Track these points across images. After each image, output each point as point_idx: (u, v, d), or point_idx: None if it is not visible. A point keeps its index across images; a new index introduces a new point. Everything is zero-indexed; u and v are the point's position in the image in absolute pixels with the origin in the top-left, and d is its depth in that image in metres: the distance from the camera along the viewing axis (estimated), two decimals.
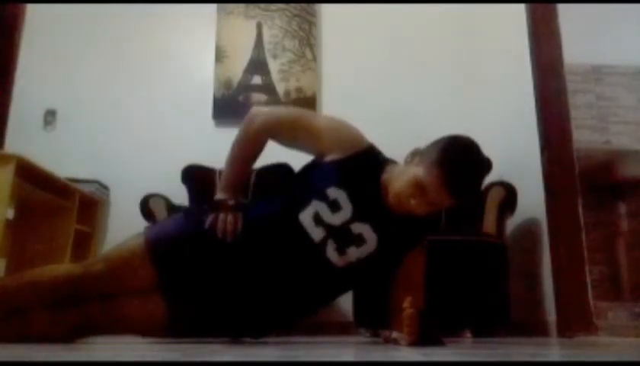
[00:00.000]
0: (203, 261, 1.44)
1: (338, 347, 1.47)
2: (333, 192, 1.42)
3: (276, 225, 1.45)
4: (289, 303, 1.51)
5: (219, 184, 1.55)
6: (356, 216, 1.42)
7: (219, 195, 1.50)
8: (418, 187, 1.35)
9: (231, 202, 1.46)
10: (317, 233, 1.41)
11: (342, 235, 1.42)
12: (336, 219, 1.41)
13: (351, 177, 1.44)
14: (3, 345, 1.21)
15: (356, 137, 1.51)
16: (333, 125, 1.52)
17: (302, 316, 1.64)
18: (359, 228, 1.43)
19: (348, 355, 1.16)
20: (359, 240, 1.44)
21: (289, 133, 1.53)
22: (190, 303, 1.44)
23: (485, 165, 1.42)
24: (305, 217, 1.42)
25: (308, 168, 1.56)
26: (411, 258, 1.57)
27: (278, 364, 0.91)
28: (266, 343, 1.52)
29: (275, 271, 1.44)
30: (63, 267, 1.52)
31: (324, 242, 1.42)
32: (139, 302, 1.41)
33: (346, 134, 1.50)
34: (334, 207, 1.41)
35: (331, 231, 1.42)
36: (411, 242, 1.56)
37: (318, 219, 1.41)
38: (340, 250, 1.43)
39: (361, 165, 1.46)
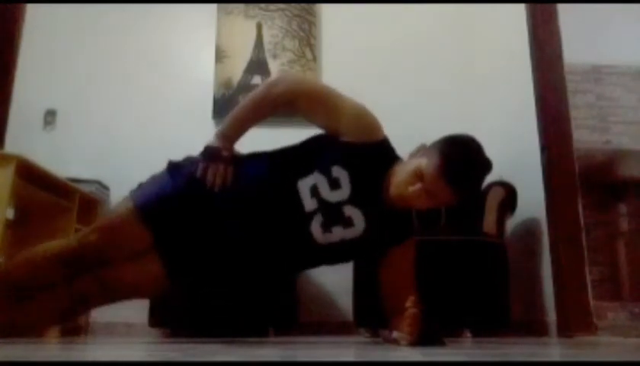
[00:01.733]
0: (194, 218, 1.44)
1: (338, 347, 1.47)
2: (337, 170, 1.42)
3: (272, 185, 1.45)
4: (267, 261, 1.51)
5: (218, 129, 1.52)
6: (352, 200, 1.43)
7: (215, 142, 1.48)
8: (418, 175, 1.37)
9: (225, 152, 1.45)
10: (309, 204, 1.42)
11: (332, 213, 1.43)
12: (332, 196, 1.42)
13: (359, 162, 1.44)
14: (3, 345, 1.21)
15: (375, 127, 1.50)
16: (355, 109, 1.51)
17: (273, 274, 1.64)
18: (350, 211, 1.44)
19: (348, 355, 1.16)
20: (347, 222, 1.44)
21: (310, 105, 1.50)
22: (185, 259, 1.45)
23: (486, 164, 1.42)
24: (303, 186, 1.42)
25: (318, 139, 1.54)
26: (399, 253, 1.58)
27: (278, 364, 0.91)
28: (266, 343, 1.52)
29: (259, 229, 1.44)
30: (57, 242, 1.52)
31: (312, 214, 1.42)
32: (137, 265, 1.43)
33: (366, 122, 1.50)
34: (334, 184, 1.42)
35: (324, 206, 1.42)
36: (396, 237, 1.57)
37: (314, 191, 1.42)
38: (326, 227, 1.43)
39: (371, 155, 1.46)
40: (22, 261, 1.48)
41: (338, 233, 1.45)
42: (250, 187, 1.45)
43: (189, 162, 1.52)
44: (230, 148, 1.49)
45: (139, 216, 1.42)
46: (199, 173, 1.43)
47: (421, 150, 1.45)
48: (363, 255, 1.59)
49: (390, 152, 1.53)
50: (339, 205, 1.43)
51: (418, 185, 1.36)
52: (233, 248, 1.45)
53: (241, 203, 1.44)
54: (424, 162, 1.37)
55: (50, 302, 1.41)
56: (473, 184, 1.41)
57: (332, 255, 1.52)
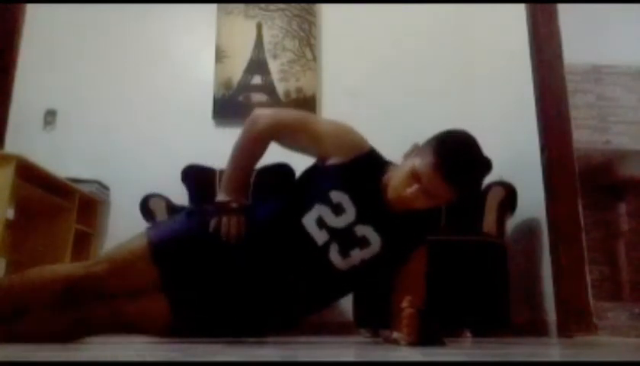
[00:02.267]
0: (206, 263, 1.44)
1: (338, 347, 1.47)
2: (336, 195, 1.42)
3: (279, 228, 1.45)
4: (291, 304, 1.51)
5: (221, 185, 1.54)
6: (360, 219, 1.43)
7: (221, 197, 1.49)
8: (414, 175, 1.36)
9: (234, 205, 1.46)
10: (320, 236, 1.41)
11: (346, 238, 1.43)
12: (339, 222, 1.42)
13: (353, 180, 1.44)
14: (3, 345, 1.21)
15: (359, 141, 1.51)
16: (336, 129, 1.52)
17: (302, 317, 1.64)
18: (362, 230, 1.43)
19: (348, 355, 1.16)
20: (363, 242, 1.44)
21: (291, 136, 1.52)
22: (192, 303, 1.44)
23: (481, 157, 1.41)
24: (309, 221, 1.42)
25: (310, 172, 1.56)
26: (412, 257, 1.57)
27: (278, 364, 0.91)
28: (266, 343, 1.52)
29: (277, 274, 1.44)
30: (65, 267, 1.52)
31: (327, 245, 1.42)
32: (142, 302, 1.42)
33: (348, 138, 1.50)
34: (338, 210, 1.42)
35: (335, 234, 1.42)
36: (414, 241, 1.56)
37: (321, 223, 1.41)
38: (344, 253, 1.43)
39: (363, 168, 1.46)
40: (24, 279, 1.47)
41: (357, 256, 1.44)
42: (259, 232, 1.45)
43: (207, 210, 1.52)
44: (237, 199, 1.48)
45: (151, 253, 1.42)
46: (211, 228, 1.43)
47: (415, 150, 1.44)
48: (388, 270, 1.57)
49: (378, 160, 1.53)
50: (349, 228, 1.42)
51: (415, 186, 1.36)
52: (248, 294, 1.45)
53: (253, 248, 1.44)
54: (418, 162, 1.36)
55: (52, 323, 1.40)
56: (470, 177, 1.39)
57: (357, 278, 1.51)
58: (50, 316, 1.39)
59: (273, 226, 1.46)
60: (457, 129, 1.43)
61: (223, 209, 1.45)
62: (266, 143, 1.52)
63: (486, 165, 1.43)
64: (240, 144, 1.51)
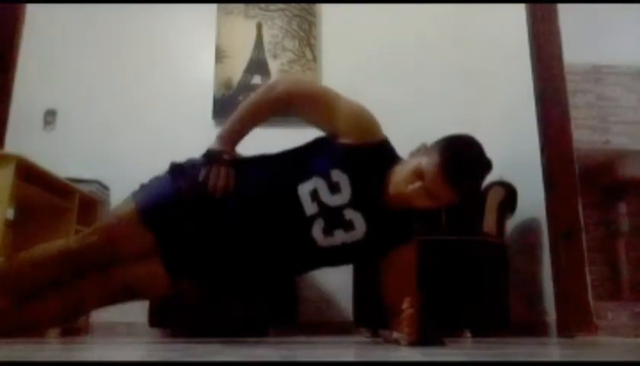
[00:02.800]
0: (195, 220, 1.44)
1: (338, 347, 1.47)
2: (336, 174, 1.42)
3: (272, 190, 1.45)
4: (268, 264, 1.52)
5: (219, 132, 1.52)
6: (352, 203, 1.43)
7: (216, 145, 1.48)
8: (418, 173, 1.37)
9: (226, 156, 1.45)
10: (310, 208, 1.42)
11: (333, 217, 1.43)
12: (333, 200, 1.42)
13: (358, 165, 1.44)
14: (3, 345, 1.21)
15: (374, 128, 1.50)
16: (354, 110, 1.50)
17: (275, 277, 1.65)
18: (351, 214, 1.44)
19: (348, 355, 1.16)
20: (348, 225, 1.44)
21: (309, 107, 1.51)
22: (186, 261, 1.45)
23: (486, 163, 1.42)
24: (304, 190, 1.42)
25: (319, 143, 1.54)
26: (401, 255, 1.58)
27: (278, 364, 0.91)
28: (266, 343, 1.52)
29: (260, 234, 1.45)
30: (57, 243, 1.51)
31: (313, 218, 1.42)
32: (138, 266, 1.43)
33: (365, 122, 1.50)
34: (334, 188, 1.41)
35: (324, 210, 1.42)
36: (398, 237, 1.57)
37: (314, 196, 1.42)
38: (327, 231, 1.43)
39: (371, 156, 1.46)
40: (21, 262, 1.47)
41: (340, 237, 1.45)
42: (251, 191, 1.45)
43: (191, 164, 1.51)
44: (231, 151, 1.48)
45: (141, 218, 1.42)
46: (201, 177, 1.43)
47: (422, 149, 1.45)
48: (365, 257, 1.59)
49: (390, 152, 1.53)
50: (340, 209, 1.43)
51: (418, 184, 1.36)
52: (234, 249, 1.45)
53: (242, 207, 1.44)
54: (424, 161, 1.37)
55: (50, 303, 1.41)
56: (473, 182, 1.41)
57: (334, 257, 1.52)
58: (50, 296, 1.40)
59: (266, 187, 1.46)
60: (465, 134, 1.44)
61: (214, 158, 1.45)
62: (281, 108, 1.50)
63: (488, 167, 1.44)
64: (254, 101, 1.49)
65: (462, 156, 1.36)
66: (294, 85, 1.52)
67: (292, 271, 1.61)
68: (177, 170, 1.53)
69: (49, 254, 1.44)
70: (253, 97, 1.51)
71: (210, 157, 1.46)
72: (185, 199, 1.44)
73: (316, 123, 1.53)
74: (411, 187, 1.37)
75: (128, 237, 1.42)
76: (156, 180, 1.54)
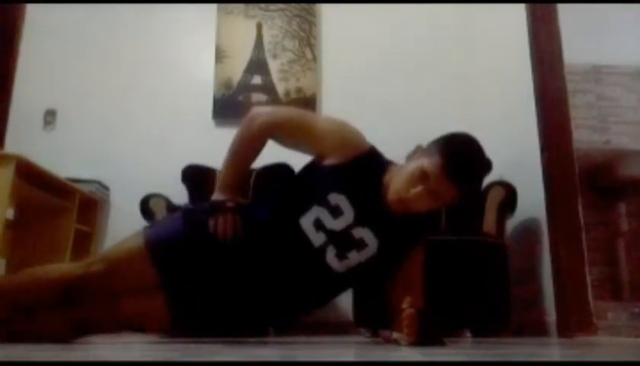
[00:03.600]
0: (204, 262, 1.44)
1: (338, 347, 1.47)
2: (334, 198, 1.42)
3: (276, 228, 1.45)
4: (287, 304, 1.52)
5: (217, 183, 1.53)
6: (358, 221, 1.42)
7: (218, 196, 1.48)
8: (421, 176, 1.36)
9: (230, 204, 1.45)
10: (317, 238, 1.41)
11: (343, 240, 1.42)
12: (337, 224, 1.42)
13: (352, 181, 1.43)
14: (3, 345, 1.21)
15: (358, 140, 1.50)
16: (334, 127, 1.51)
17: (298, 316, 1.64)
18: (360, 232, 1.43)
19: (348, 355, 1.16)
20: (360, 244, 1.44)
21: (290, 134, 1.52)
22: (191, 302, 1.44)
23: (486, 160, 1.42)
24: (306, 222, 1.42)
25: (307, 171, 1.55)
26: (409, 257, 1.57)
27: (278, 364, 0.91)
28: (266, 343, 1.52)
29: (274, 274, 1.44)
30: (62, 267, 1.52)
31: (324, 247, 1.42)
32: (141, 300, 1.42)
33: (347, 137, 1.49)
34: (336, 212, 1.41)
35: (332, 236, 1.42)
36: (410, 243, 1.56)
37: (319, 225, 1.41)
38: (341, 255, 1.43)
39: (362, 169, 1.46)
40: (23, 279, 1.47)
41: (354, 258, 1.44)
42: (257, 232, 1.45)
43: (202, 209, 1.51)
44: (234, 198, 1.48)
45: (149, 253, 1.42)
46: (210, 228, 1.43)
47: (419, 151, 1.44)
48: (384, 271, 1.57)
49: (379, 159, 1.53)
50: (347, 230, 1.42)
51: (420, 187, 1.36)
52: (243, 291, 1.45)
53: (250, 249, 1.44)
54: (426, 162, 1.36)
55: (50, 322, 1.40)
56: (476, 179, 1.42)
57: (353, 279, 1.52)
58: (49, 315, 1.39)
59: (270, 226, 1.46)
60: (461, 132, 1.44)
61: (219, 208, 1.45)
62: (263, 141, 1.51)
63: (487, 166, 1.44)
64: (237, 142, 1.50)
65: (463, 154, 1.36)
66: (270, 116, 1.52)
67: (315, 303, 1.60)
68: (190, 213, 1.54)
69: (52, 276, 1.43)
70: (235, 139, 1.51)
71: (214, 208, 1.45)
72: (195, 241, 1.44)
73: (301, 148, 1.54)
74: (413, 190, 1.36)
75: (133, 270, 1.41)
76: (167, 219, 1.56)
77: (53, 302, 1.39)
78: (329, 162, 1.46)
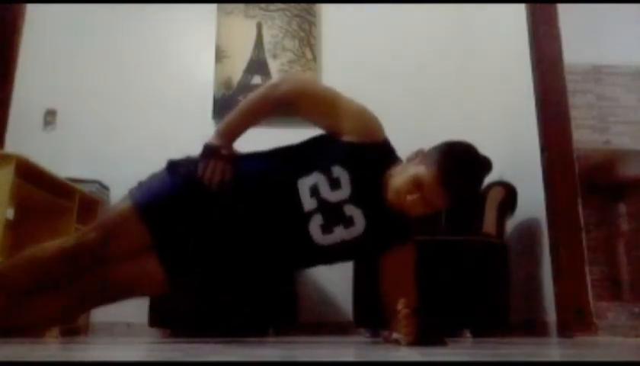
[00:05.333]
0: (192, 215, 1.44)
1: (338, 347, 1.47)
2: (337, 170, 1.42)
3: (272, 182, 1.46)
4: (263, 258, 1.51)
5: (217, 128, 1.52)
6: (352, 199, 1.43)
7: (215, 140, 1.48)
8: (416, 183, 1.37)
9: (224, 151, 1.45)
10: (308, 203, 1.42)
11: (333, 213, 1.43)
12: (332, 196, 1.42)
13: (360, 162, 1.44)
14: (3, 345, 1.21)
15: (376, 128, 1.51)
16: (358, 110, 1.52)
17: (272, 272, 1.65)
18: (351, 210, 1.44)
19: (348, 355, 1.16)
20: (348, 221, 1.45)
21: (312, 105, 1.51)
22: (184, 257, 1.45)
23: (483, 168, 1.43)
24: (303, 185, 1.43)
25: (321, 139, 1.54)
26: (400, 254, 1.58)
27: (278, 364, 0.91)
28: (266, 343, 1.52)
29: (256, 227, 1.45)
30: (56, 242, 1.52)
31: (311, 213, 1.42)
32: (136, 263, 1.44)
33: (367, 122, 1.51)
34: (334, 184, 1.42)
35: (323, 206, 1.42)
36: (395, 237, 1.57)
37: (314, 191, 1.42)
38: (326, 227, 1.43)
39: (372, 155, 1.46)
40: (20, 261, 1.47)
41: (339, 234, 1.45)
42: (248, 184, 1.45)
43: (188, 161, 1.52)
44: (229, 146, 1.49)
45: (138, 214, 1.43)
46: (199, 172, 1.43)
47: (419, 156, 1.45)
48: (363, 255, 1.59)
49: (390, 152, 1.54)
50: (339, 205, 1.43)
51: (416, 194, 1.37)
52: (230, 243, 1.46)
53: (239, 200, 1.44)
54: (422, 171, 1.37)
55: (50, 302, 1.41)
56: (471, 190, 1.43)
57: (331, 255, 1.53)
58: (49, 296, 1.40)
59: (267, 179, 1.46)
60: (461, 141, 1.45)
61: (211, 153, 1.45)
62: (280, 107, 1.50)
63: (487, 167, 1.45)
64: (256, 100, 1.50)
65: (459, 166, 1.37)
66: (298, 84, 1.53)
67: (288, 266, 1.61)
68: (175, 167, 1.53)
69: (48, 252, 1.44)
70: (255, 94, 1.51)
71: (207, 152, 1.46)
72: (182, 195, 1.45)
73: (319, 123, 1.53)
74: (409, 197, 1.38)
75: (125, 234, 1.42)
76: (153, 177, 1.55)
77: (51, 279, 1.40)
78: (345, 138, 1.47)
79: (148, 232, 1.42)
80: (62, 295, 1.41)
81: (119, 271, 1.42)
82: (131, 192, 1.51)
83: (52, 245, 1.49)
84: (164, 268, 1.43)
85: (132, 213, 1.43)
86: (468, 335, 2.24)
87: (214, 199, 1.43)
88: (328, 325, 2.73)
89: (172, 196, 1.45)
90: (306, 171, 1.43)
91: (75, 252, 1.41)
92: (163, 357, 1.00)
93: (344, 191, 1.42)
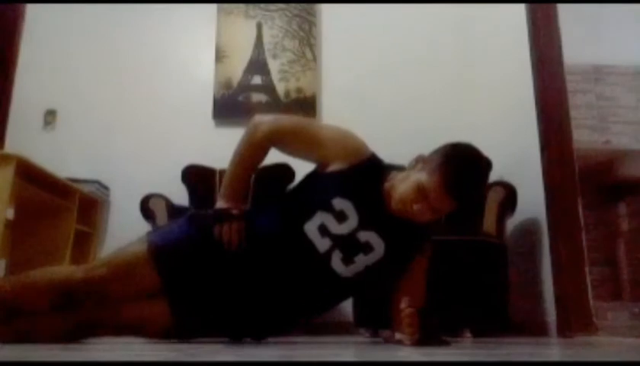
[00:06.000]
0: (208, 269, 1.44)
1: (338, 347, 1.47)
2: (339, 203, 1.42)
3: (280, 235, 1.45)
4: (292, 310, 1.52)
5: (220, 191, 1.54)
6: (363, 225, 1.43)
7: (221, 203, 1.49)
8: (421, 192, 1.37)
9: (235, 211, 1.46)
10: (322, 244, 1.42)
11: (349, 245, 1.43)
12: (342, 229, 1.42)
13: (355, 186, 1.44)
14: (3, 345, 1.21)
15: (359, 147, 1.51)
16: (337, 135, 1.52)
17: (304, 320, 1.65)
18: (365, 236, 1.44)
19: (348, 355, 1.16)
20: (366, 248, 1.44)
21: (293, 142, 1.52)
22: (194, 308, 1.44)
23: (486, 169, 1.43)
24: (311, 228, 1.42)
25: (310, 178, 1.55)
26: (416, 262, 1.58)
27: (278, 364, 0.91)
28: (266, 343, 1.52)
29: (279, 281, 1.45)
30: (64, 270, 1.51)
31: (329, 252, 1.42)
32: (143, 305, 1.42)
33: (349, 144, 1.51)
34: (341, 217, 1.42)
35: (338, 241, 1.42)
36: (416, 244, 1.57)
37: (323, 230, 1.42)
38: (347, 259, 1.43)
39: (364, 174, 1.47)
40: (24, 282, 1.46)
41: (361, 262, 1.44)
42: (261, 240, 1.45)
43: (209, 216, 1.51)
44: (238, 205, 1.48)
45: (152, 259, 1.42)
46: (216, 236, 1.43)
47: (420, 162, 1.44)
48: (392, 272, 1.57)
49: (379, 165, 1.53)
50: (352, 234, 1.43)
51: (422, 203, 1.37)
52: (249, 300, 1.45)
53: (255, 256, 1.44)
54: (425, 178, 1.37)
55: (46, 326, 1.39)
56: (476, 192, 1.44)
57: (360, 283, 1.52)
58: (50, 319, 1.39)
59: (274, 233, 1.46)
60: (461, 143, 1.44)
61: (223, 216, 1.45)
62: (266, 150, 1.52)
63: (487, 167, 1.44)
64: (240, 150, 1.51)
65: (462, 170, 1.36)
66: (273, 124, 1.51)
67: (321, 308, 1.61)
68: (195, 218, 1.54)
69: (54, 279, 1.43)
70: (238, 147, 1.51)
71: (219, 216, 1.46)
72: (198, 247, 1.45)
73: (303, 156, 1.55)
74: (416, 207, 1.38)
75: (136, 275, 1.41)
76: (172, 224, 1.56)
77: (53, 305, 1.39)
78: (332, 168, 1.47)
79: (159, 279, 1.41)
80: (56, 324, 1.39)
81: (123, 310, 1.40)
82: (147, 235, 1.52)
83: (60, 272, 1.49)
84: (173, 314, 1.42)
85: (144, 257, 1.42)
86: (468, 335, 2.24)
87: (231, 255, 1.43)
88: (328, 325, 2.72)
89: (189, 246, 1.45)
90: (309, 214, 1.43)
91: (81, 285, 1.39)
92: (163, 357, 1.00)
93: (352, 221, 1.42)
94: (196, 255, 1.44)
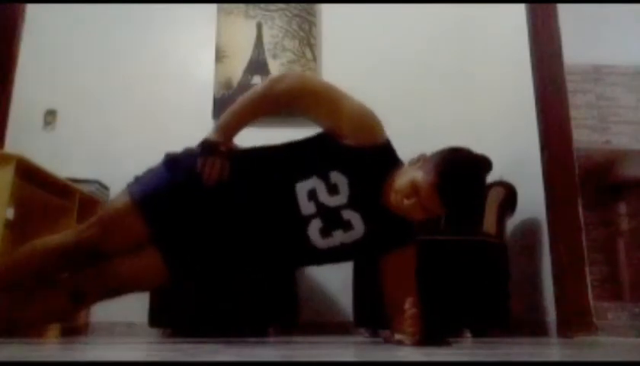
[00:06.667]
0: (190, 209, 1.44)
1: (338, 347, 1.47)
2: (335, 176, 1.41)
3: (270, 184, 1.45)
4: (260, 254, 1.52)
5: (216, 124, 1.52)
6: (351, 204, 1.43)
7: (214, 136, 1.47)
8: (413, 187, 1.36)
9: (223, 147, 1.45)
10: (306, 207, 1.42)
11: (331, 218, 1.43)
12: (331, 201, 1.42)
13: (359, 167, 1.43)
14: (3, 345, 1.21)
15: (377, 129, 1.48)
16: (358, 110, 1.48)
17: (268, 268, 1.66)
18: (349, 215, 1.44)
19: (348, 355, 1.16)
20: (347, 225, 1.45)
21: (314, 103, 1.48)
22: (184, 249, 1.45)
23: (481, 179, 1.43)
24: (301, 189, 1.42)
25: (319, 139, 1.51)
26: (401, 256, 1.58)
27: (278, 364, 0.91)
28: (266, 343, 1.52)
29: (253, 227, 1.45)
30: (55, 237, 1.51)
31: (310, 218, 1.42)
32: (136, 258, 1.44)
33: (368, 123, 1.48)
34: (333, 190, 1.41)
35: (322, 210, 1.42)
36: (398, 238, 1.56)
37: (312, 195, 1.42)
38: (325, 231, 1.44)
39: (372, 159, 1.45)
40: (20, 257, 1.48)
41: (338, 237, 1.45)
42: (247, 183, 1.45)
43: (186, 155, 1.52)
44: (228, 142, 1.48)
45: (137, 209, 1.43)
46: (198, 168, 1.42)
47: (421, 160, 1.44)
48: (363, 256, 1.59)
49: (391, 155, 1.51)
50: (337, 209, 1.43)
51: (414, 200, 1.36)
52: (229, 239, 1.46)
53: (237, 198, 1.44)
54: (419, 176, 1.36)
55: (50, 298, 1.41)
56: (467, 201, 1.40)
57: (331, 256, 1.53)
58: (49, 292, 1.40)
59: (264, 180, 1.46)
60: (463, 149, 1.43)
61: (210, 149, 1.44)
62: (284, 104, 1.48)
63: (487, 167, 1.44)
64: (256, 95, 1.48)
65: (456, 177, 1.35)
66: (300, 81, 1.49)
67: (286, 265, 1.62)
68: (172, 161, 1.53)
69: (49, 247, 1.45)
70: (255, 90, 1.49)
71: (205, 148, 1.45)
72: (180, 189, 1.45)
73: (319, 121, 1.51)
74: (407, 202, 1.37)
75: (124, 229, 1.43)
76: (150, 171, 1.55)
77: (51, 274, 1.40)
78: (344, 141, 1.44)
79: (147, 227, 1.43)
80: (61, 291, 1.41)
81: (118, 266, 1.42)
82: (128, 187, 1.52)
83: (52, 240, 1.50)
84: (165, 261, 1.43)
85: (130, 208, 1.44)
86: (468, 335, 2.24)
87: (212, 194, 1.43)
88: (328, 325, 2.73)
89: (170, 190, 1.46)
90: (304, 175, 1.42)
91: (75, 248, 1.41)
92: (163, 357, 1.00)
93: (342, 197, 1.42)
94: (178, 198, 1.44)
